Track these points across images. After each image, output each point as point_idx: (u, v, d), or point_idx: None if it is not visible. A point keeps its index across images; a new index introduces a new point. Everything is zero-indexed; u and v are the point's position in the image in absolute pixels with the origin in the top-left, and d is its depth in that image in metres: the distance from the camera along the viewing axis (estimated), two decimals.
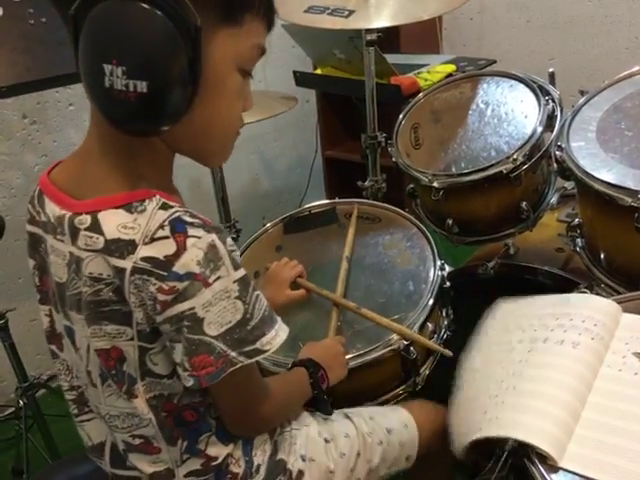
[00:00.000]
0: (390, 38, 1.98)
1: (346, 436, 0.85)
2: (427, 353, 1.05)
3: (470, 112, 1.28)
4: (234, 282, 0.62)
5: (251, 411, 0.73)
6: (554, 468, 0.66)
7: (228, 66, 0.63)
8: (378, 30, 1.38)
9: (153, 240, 0.60)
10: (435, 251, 1.11)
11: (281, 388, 0.79)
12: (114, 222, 0.61)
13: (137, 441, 0.72)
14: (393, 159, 1.28)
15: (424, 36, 2.33)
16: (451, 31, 2.54)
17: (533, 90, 1.21)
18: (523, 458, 0.68)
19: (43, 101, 1.80)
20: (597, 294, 1.01)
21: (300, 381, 0.84)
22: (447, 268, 1.09)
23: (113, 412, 0.71)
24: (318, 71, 2.07)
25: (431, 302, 1.03)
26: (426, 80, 1.80)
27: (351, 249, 1.17)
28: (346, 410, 0.91)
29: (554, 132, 1.12)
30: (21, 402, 1.53)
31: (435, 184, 1.17)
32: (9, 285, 1.85)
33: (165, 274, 0.59)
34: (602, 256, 1.05)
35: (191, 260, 0.59)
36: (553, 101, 1.17)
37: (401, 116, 1.34)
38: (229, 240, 0.63)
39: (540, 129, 1.14)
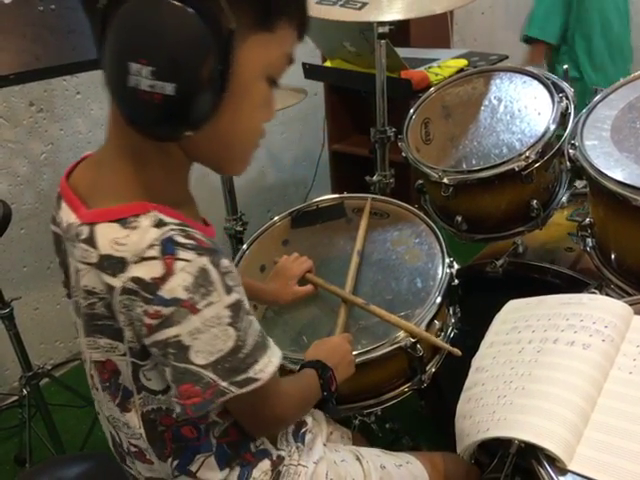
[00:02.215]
0: (400, 32, 1.96)
1: None
2: (433, 351, 1.04)
3: (482, 108, 1.26)
4: (226, 307, 0.59)
5: (267, 414, 0.71)
6: (563, 471, 0.65)
7: (256, 73, 0.60)
8: (390, 23, 1.36)
9: (142, 260, 0.57)
10: (444, 248, 1.10)
11: (294, 387, 0.77)
12: (108, 236, 0.59)
13: (133, 449, 0.72)
14: (403, 154, 1.26)
15: (434, 30, 2.31)
16: (462, 25, 2.53)
17: (547, 87, 1.19)
18: (531, 460, 0.67)
19: (50, 89, 1.79)
20: (607, 295, 1.00)
21: (311, 383, 0.82)
22: (455, 266, 1.08)
23: (115, 415, 0.72)
24: (327, 63, 2.04)
25: (439, 300, 1.02)
26: (437, 75, 1.78)
27: (362, 244, 1.16)
28: (358, 450, 0.88)
29: (567, 130, 1.11)
30: (24, 391, 1.54)
31: (445, 180, 1.15)
32: (14, 274, 1.84)
33: (151, 297, 0.57)
34: (613, 256, 1.04)
35: (178, 285, 0.56)
36: (567, 98, 1.15)
37: (412, 111, 1.32)
38: (224, 261, 0.60)
39: (553, 126, 1.12)
